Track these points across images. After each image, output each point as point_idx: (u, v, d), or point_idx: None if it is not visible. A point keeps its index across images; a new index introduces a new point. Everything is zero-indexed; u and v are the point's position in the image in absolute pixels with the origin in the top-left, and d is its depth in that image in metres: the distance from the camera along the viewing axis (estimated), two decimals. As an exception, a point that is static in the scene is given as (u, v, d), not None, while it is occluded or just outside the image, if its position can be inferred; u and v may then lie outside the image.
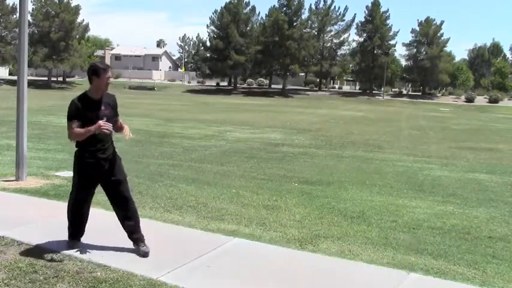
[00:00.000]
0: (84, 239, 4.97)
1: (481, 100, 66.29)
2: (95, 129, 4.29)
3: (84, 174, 4.58)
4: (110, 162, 4.61)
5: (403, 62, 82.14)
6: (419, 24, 76.20)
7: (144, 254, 4.52)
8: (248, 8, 76.80)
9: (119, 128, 4.65)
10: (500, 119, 40.93)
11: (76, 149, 4.61)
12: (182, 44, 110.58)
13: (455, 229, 6.02)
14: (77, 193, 4.70)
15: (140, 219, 4.82)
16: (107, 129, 4.30)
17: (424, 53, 75.45)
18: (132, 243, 4.67)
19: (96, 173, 4.57)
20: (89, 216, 5.90)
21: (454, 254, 5.04)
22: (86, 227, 4.91)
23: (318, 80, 79.57)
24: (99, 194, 6.94)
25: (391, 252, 4.99)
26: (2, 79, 64.52)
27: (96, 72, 4.46)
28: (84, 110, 4.39)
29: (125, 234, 4.72)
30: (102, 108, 4.50)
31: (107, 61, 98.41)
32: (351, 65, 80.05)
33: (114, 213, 5.96)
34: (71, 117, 4.42)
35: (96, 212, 6.03)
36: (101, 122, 4.29)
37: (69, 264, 4.22)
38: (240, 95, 68.79)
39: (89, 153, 4.50)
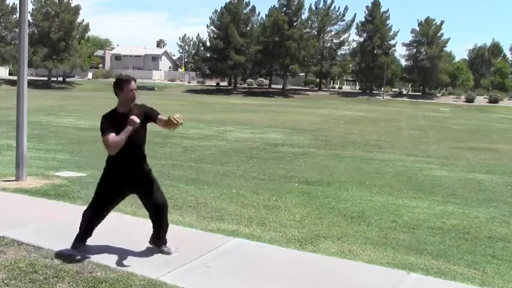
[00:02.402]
0: (84, 239, 4.97)
1: (481, 100, 66.29)
2: (129, 128, 4.23)
3: (110, 183, 4.51)
4: (141, 172, 4.56)
5: (403, 62, 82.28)
6: (419, 24, 76.21)
7: (168, 254, 4.63)
8: (248, 8, 76.78)
9: (167, 125, 4.48)
10: (500, 119, 40.93)
11: (108, 156, 4.48)
12: (182, 44, 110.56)
13: (455, 229, 6.02)
14: (98, 201, 4.59)
15: (140, 219, 4.83)
16: (135, 122, 4.23)
17: (424, 53, 75.45)
18: (153, 245, 4.74)
19: (126, 183, 4.51)
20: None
21: (454, 254, 5.04)
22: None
23: (318, 80, 79.58)
24: (99, 194, 6.95)
25: (391, 252, 4.99)
26: (2, 79, 64.50)
27: (119, 85, 4.39)
28: (114, 125, 4.30)
29: (125, 234, 4.72)
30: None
31: (107, 61, 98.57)
32: (351, 65, 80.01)
33: (114, 213, 5.97)
34: (104, 130, 4.30)
35: (96, 212, 6.04)
36: (131, 117, 4.23)
37: (69, 264, 4.22)
38: (240, 95, 68.78)
39: (121, 163, 4.41)
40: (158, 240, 4.70)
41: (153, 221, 4.72)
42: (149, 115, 4.51)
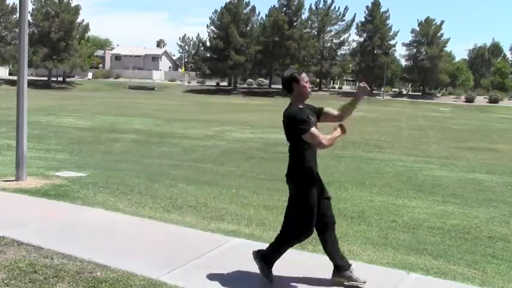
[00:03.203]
0: (84, 239, 4.97)
1: (481, 100, 66.29)
2: (340, 131, 3.95)
3: (313, 193, 3.96)
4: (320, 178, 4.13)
5: (403, 62, 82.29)
6: (419, 24, 76.24)
7: (356, 280, 4.03)
8: (248, 8, 76.82)
9: (339, 118, 4.17)
10: (500, 119, 40.92)
11: (297, 162, 4.03)
12: (182, 44, 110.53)
13: (455, 229, 6.02)
14: (308, 216, 3.91)
15: (140, 219, 4.80)
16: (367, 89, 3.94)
17: (424, 53, 75.48)
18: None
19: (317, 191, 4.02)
20: (89, 216, 5.92)
21: (454, 254, 5.04)
22: (90, 227, 4.83)
23: (318, 80, 79.59)
24: (100, 194, 6.96)
25: (391, 252, 4.98)
26: (2, 79, 64.49)
27: (294, 78, 3.96)
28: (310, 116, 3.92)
29: (125, 234, 4.71)
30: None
31: (107, 61, 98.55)
32: (351, 65, 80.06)
33: (114, 213, 5.99)
34: (309, 126, 3.86)
35: (97, 211, 6.04)
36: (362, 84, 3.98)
37: (69, 264, 4.21)
38: (240, 95, 68.78)
39: (311, 168, 4.04)
40: (334, 263, 4.09)
41: (324, 237, 4.12)
42: (318, 112, 4.12)
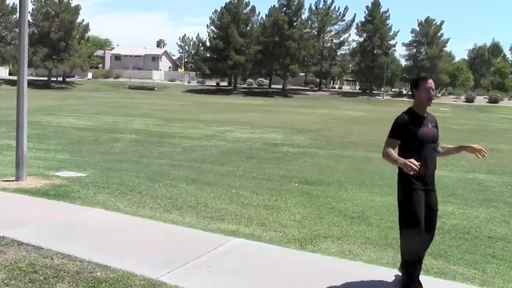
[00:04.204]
0: (84, 239, 4.97)
1: (481, 100, 66.27)
2: (400, 164, 3.86)
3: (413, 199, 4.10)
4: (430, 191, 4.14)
5: (403, 62, 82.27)
6: (419, 24, 76.25)
7: None
8: (248, 8, 76.83)
9: (445, 152, 4.30)
10: (500, 119, 40.92)
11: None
12: (182, 44, 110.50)
13: (455, 229, 6.02)
14: (413, 222, 4.03)
15: (140, 219, 4.80)
16: (413, 169, 3.74)
17: (424, 53, 75.49)
18: None
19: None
20: (89, 216, 5.91)
21: (454, 254, 5.04)
22: (90, 227, 4.83)
23: (318, 80, 79.57)
24: (100, 194, 6.96)
25: (391, 252, 4.98)
26: (2, 79, 64.50)
27: (415, 83, 4.02)
28: (410, 125, 3.91)
29: (125, 234, 4.70)
30: (429, 126, 4.00)
31: (107, 61, 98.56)
32: (350, 65, 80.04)
33: (114, 213, 5.98)
34: (392, 135, 3.97)
35: (97, 211, 6.04)
36: (407, 162, 3.73)
37: (69, 264, 4.21)
38: (240, 95, 68.77)
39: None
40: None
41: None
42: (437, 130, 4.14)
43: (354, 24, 77.23)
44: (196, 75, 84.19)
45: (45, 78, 69.51)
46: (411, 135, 3.91)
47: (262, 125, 22.18)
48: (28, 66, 7.98)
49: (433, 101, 4.08)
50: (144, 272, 4.11)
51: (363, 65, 76.00)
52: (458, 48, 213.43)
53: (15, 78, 10.76)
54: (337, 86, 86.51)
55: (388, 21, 76.75)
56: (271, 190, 7.89)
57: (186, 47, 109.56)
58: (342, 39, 78.35)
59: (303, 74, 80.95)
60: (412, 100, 4.11)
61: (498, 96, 66.94)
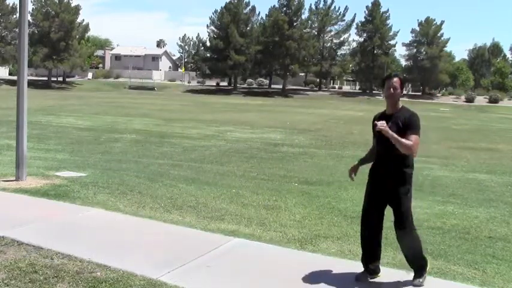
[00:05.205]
0: (84, 239, 4.97)
1: (481, 100, 66.25)
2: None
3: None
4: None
5: (403, 62, 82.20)
6: (419, 24, 76.19)
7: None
8: (248, 8, 76.76)
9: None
10: (500, 119, 40.92)
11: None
12: (182, 44, 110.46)
13: (455, 229, 6.02)
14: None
15: (140, 219, 4.80)
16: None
17: (424, 53, 75.41)
18: None
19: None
20: (89, 216, 5.92)
21: (454, 254, 5.04)
22: (90, 227, 4.84)
23: (318, 80, 79.56)
24: (100, 194, 6.96)
25: (391, 252, 4.98)
26: (2, 79, 64.48)
27: (382, 82, 4.29)
28: (373, 122, 4.28)
29: (125, 234, 4.70)
30: (389, 124, 4.23)
31: (107, 61, 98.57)
32: (350, 65, 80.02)
33: (114, 213, 5.99)
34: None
35: (97, 211, 6.04)
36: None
37: (69, 264, 4.22)
38: (240, 95, 68.76)
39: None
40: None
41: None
42: (404, 129, 4.32)
43: (354, 24, 77.25)
44: (196, 75, 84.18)
45: (45, 78, 69.48)
46: (373, 132, 4.37)
47: (262, 125, 22.18)
48: (28, 66, 7.98)
49: (398, 99, 4.32)
50: (144, 272, 4.11)
51: (363, 65, 75.97)
52: (458, 48, 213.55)
53: (15, 78, 10.77)
54: (337, 86, 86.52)
55: (388, 21, 76.72)
56: (271, 190, 7.89)
57: (186, 47, 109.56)
58: (342, 39, 78.38)
59: (303, 74, 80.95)
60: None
61: (498, 96, 66.94)
